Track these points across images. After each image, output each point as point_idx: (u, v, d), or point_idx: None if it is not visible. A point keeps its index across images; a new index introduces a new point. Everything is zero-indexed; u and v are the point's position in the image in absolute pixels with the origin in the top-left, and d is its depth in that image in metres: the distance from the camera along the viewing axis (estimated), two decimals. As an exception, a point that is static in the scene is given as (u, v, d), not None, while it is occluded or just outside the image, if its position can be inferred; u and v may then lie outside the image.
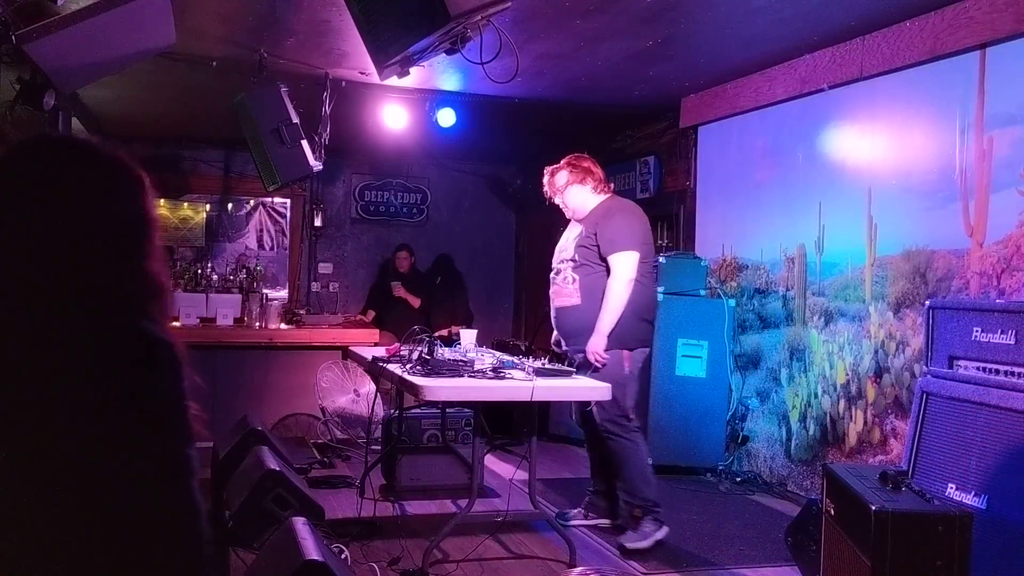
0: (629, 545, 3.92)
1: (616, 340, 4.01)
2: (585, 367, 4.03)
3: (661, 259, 5.36)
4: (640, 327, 4.09)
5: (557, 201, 4.27)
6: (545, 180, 4.28)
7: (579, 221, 4.21)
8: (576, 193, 4.19)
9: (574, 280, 4.12)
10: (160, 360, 1.19)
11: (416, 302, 7.54)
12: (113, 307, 1.21)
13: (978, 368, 3.15)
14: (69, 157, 1.27)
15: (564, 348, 4.24)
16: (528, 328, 8.97)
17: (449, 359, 3.83)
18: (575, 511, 4.40)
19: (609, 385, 3.82)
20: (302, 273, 8.72)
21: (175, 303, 5.91)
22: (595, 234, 4.07)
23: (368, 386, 6.01)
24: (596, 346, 3.98)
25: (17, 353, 1.13)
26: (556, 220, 4.22)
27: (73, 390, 1.13)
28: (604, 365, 3.98)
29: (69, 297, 1.18)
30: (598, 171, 4.23)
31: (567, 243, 4.23)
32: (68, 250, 1.20)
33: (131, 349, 1.18)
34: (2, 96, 4.03)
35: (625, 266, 3.98)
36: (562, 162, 4.25)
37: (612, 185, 4.41)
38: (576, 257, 4.12)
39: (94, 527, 1.11)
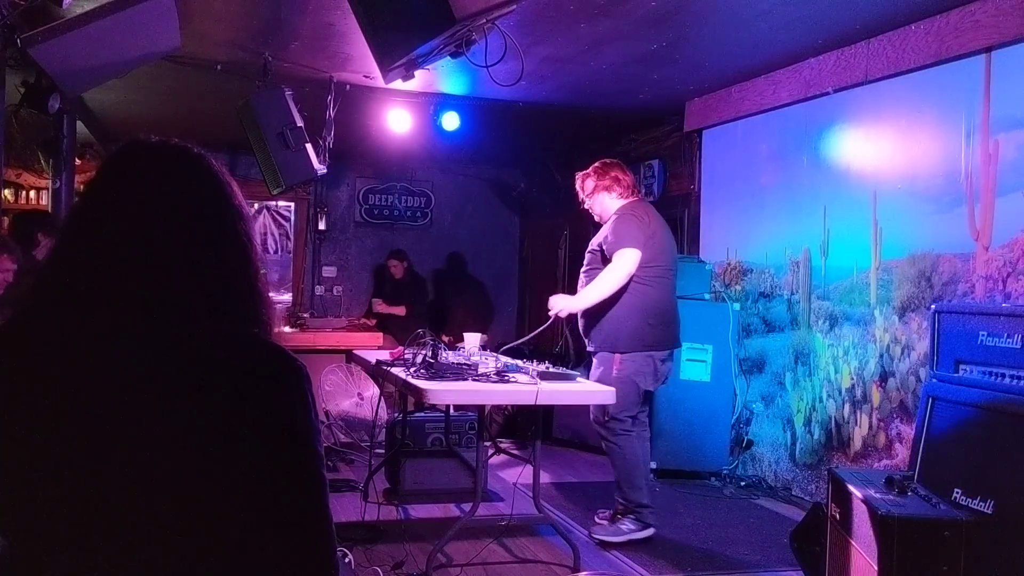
0: (596, 535, 4.05)
1: (605, 341, 4.11)
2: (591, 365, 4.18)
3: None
4: (642, 330, 4.06)
5: (587, 206, 4.36)
6: (576, 185, 4.38)
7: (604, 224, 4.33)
8: (601, 199, 4.29)
9: (583, 284, 4.23)
10: (297, 378, 1.14)
11: (401, 311, 7.54)
12: (240, 322, 1.15)
13: (984, 372, 3.14)
14: (172, 162, 1.21)
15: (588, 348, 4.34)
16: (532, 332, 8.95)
17: (453, 363, 3.82)
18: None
19: (613, 389, 3.82)
20: (306, 276, 8.73)
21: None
22: (605, 237, 4.14)
23: (372, 390, 6.00)
24: (556, 302, 4.15)
25: (160, 381, 1.06)
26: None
27: (218, 418, 1.07)
28: (553, 318, 4.18)
29: (192, 314, 1.10)
30: (626, 177, 4.30)
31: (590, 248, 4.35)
32: (187, 261, 1.12)
33: (274, 370, 1.13)
34: (7, 99, 4.04)
35: (622, 260, 3.99)
36: (590, 168, 4.34)
37: (641, 191, 4.44)
38: (588, 261, 4.26)
39: (235, 546, 1.06)
